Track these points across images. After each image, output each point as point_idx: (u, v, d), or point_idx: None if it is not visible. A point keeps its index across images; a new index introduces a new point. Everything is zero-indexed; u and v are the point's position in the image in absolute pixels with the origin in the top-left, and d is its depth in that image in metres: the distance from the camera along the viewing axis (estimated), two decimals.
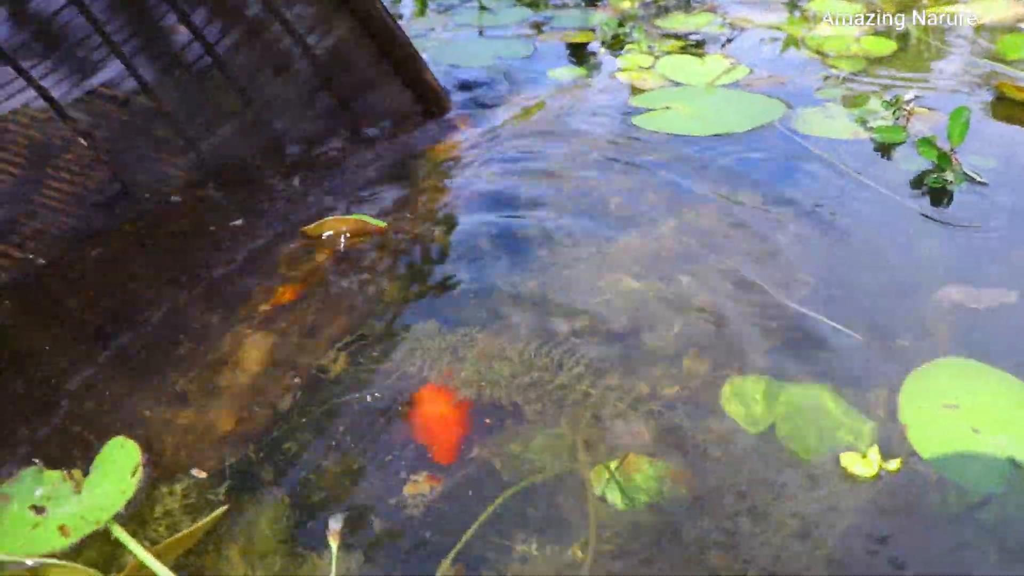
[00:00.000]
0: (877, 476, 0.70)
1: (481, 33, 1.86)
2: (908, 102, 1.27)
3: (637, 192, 1.14)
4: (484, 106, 1.46)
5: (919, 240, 1.02)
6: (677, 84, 1.51)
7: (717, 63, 1.56)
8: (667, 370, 0.82)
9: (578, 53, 1.72)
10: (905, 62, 1.61)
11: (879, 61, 1.61)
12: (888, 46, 1.68)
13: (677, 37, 1.76)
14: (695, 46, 1.70)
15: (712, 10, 1.92)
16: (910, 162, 1.20)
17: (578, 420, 0.76)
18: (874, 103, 1.39)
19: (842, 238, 1.02)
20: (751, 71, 1.54)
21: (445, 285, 0.98)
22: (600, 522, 0.67)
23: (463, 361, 0.84)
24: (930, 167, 1.16)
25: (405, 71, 1.35)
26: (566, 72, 1.60)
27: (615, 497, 0.69)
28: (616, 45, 1.73)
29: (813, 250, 1.00)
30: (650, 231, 1.05)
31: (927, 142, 1.15)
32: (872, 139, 1.26)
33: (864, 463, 0.70)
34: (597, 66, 1.64)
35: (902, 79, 1.51)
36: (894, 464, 0.70)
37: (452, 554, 0.65)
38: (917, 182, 1.15)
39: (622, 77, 1.55)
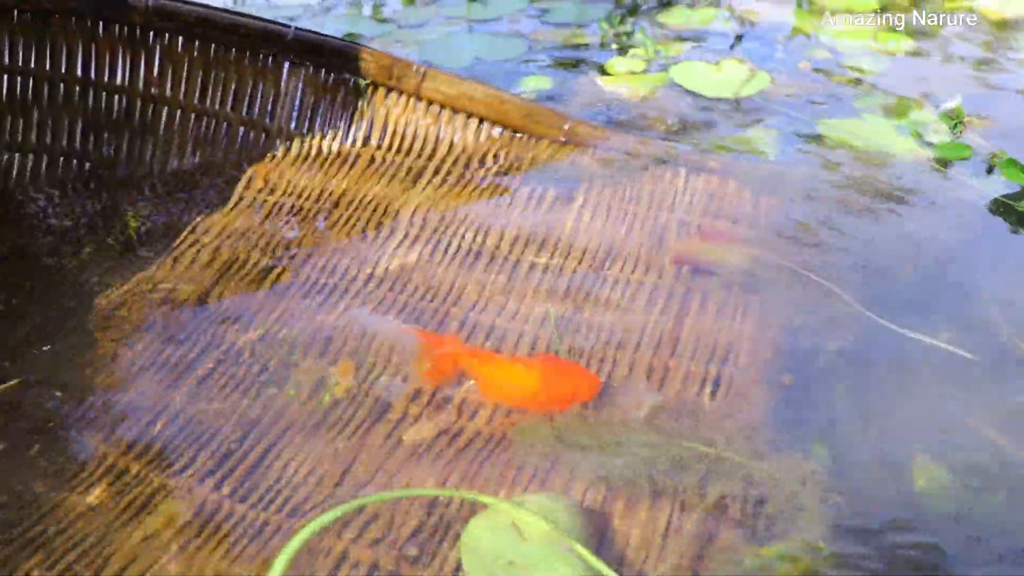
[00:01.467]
0: None
1: (470, 29, 1.64)
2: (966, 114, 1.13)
3: None
4: None
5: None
6: (692, 94, 1.34)
7: (735, 69, 1.39)
8: None
9: (573, 54, 1.52)
10: (933, 61, 1.48)
11: (904, 60, 1.48)
12: (908, 43, 1.54)
13: (683, 37, 1.58)
14: (703, 46, 1.53)
15: (716, 3, 1.74)
16: (983, 182, 1.05)
17: None
18: (918, 112, 1.24)
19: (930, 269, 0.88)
20: (773, 80, 1.37)
21: None
22: None
23: None
24: (1014, 189, 1.02)
25: None
26: (544, 81, 1.39)
27: None
28: (618, 46, 1.55)
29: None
30: None
31: (1013, 163, 1.01)
32: (933, 157, 1.11)
33: None
34: (584, 71, 1.44)
35: (938, 81, 1.37)
36: None
37: None
38: (1001, 206, 1.00)
39: (605, 85, 1.36)
